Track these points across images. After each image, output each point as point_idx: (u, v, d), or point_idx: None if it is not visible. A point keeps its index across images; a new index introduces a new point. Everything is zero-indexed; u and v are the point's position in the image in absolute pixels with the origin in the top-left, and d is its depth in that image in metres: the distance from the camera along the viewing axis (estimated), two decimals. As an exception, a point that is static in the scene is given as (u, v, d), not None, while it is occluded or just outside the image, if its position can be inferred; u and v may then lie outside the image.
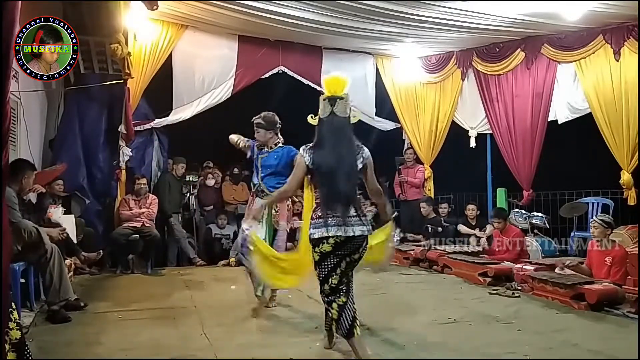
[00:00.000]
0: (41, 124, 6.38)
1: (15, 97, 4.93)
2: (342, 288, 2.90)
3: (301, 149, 3.04)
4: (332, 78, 3.09)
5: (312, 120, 3.08)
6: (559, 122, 7.05)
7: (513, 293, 4.74)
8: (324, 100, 3.02)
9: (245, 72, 7.25)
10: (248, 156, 4.38)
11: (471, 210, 7.05)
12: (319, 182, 2.99)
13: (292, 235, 7.31)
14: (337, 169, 2.90)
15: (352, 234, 2.85)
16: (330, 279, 2.88)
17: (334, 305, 2.87)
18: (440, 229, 6.96)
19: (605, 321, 3.85)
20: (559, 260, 4.95)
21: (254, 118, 4.24)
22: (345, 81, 3.06)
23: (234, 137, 4.52)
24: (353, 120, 3.09)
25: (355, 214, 2.90)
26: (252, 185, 4.36)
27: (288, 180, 3.15)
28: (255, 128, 4.22)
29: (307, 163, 2.95)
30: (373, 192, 3.14)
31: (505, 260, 5.64)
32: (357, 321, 2.88)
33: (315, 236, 2.87)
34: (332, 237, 2.83)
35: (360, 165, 2.98)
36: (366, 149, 3.05)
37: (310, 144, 3.02)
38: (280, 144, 4.26)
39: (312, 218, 2.96)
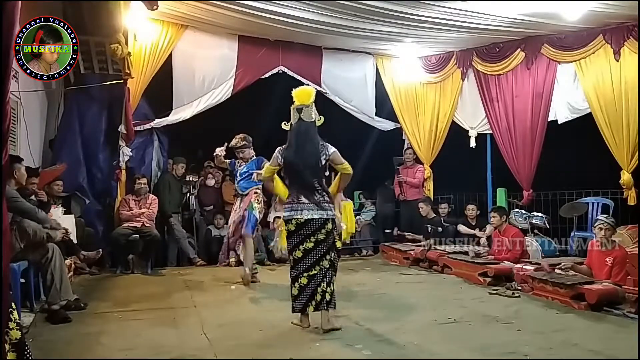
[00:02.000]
0: (41, 124, 6.39)
1: (15, 97, 4.94)
2: (306, 266, 3.50)
3: (277, 149, 3.70)
4: (300, 90, 3.76)
5: (285, 126, 3.75)
6: (559, 122, 7.04)
7: (513, 293, 4.74)
8: (294, 109, 3.69)
9: (245, 72, 7.25)
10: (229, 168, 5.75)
11: (471, 210, 7.05)
12: (288, 175, 3.71)
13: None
14: (302, 164, 3.59)
15: (310, 217, 3.51)
16: (294, 252, 3.56)
17: (296, 284, 3.52)
18: (440, 229, 6.96)
19: (605, 321, 3.85)
20: (548, 264, 4.92)
21: (235, 143, 5.45)
22: (312, 92, 3.76)
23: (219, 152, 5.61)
24: (318, 123, 3.72)
25: (316, 200, 3.54)
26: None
27: (268, 168, 3.81)
28: (240, 149, 5.47)
29: (278, 161, 3.66)
30: (344, 175, 3.75)
31: (510, 260, 5.63)
32: (314, 302, 3.47)
33: (285, 217, 3.63)
34: (294, 219, 3.54)
35: (323, 161, 3.63)
36: (331, 147, 3.68)
37: (285, 145, 3.69)
38: (253, 157, 5.53)
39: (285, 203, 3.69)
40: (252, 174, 5.42)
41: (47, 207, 4.56)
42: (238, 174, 5.55)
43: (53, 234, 3.94)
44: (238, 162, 5.58)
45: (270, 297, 4.67)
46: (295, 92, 3.74)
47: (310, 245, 3.51)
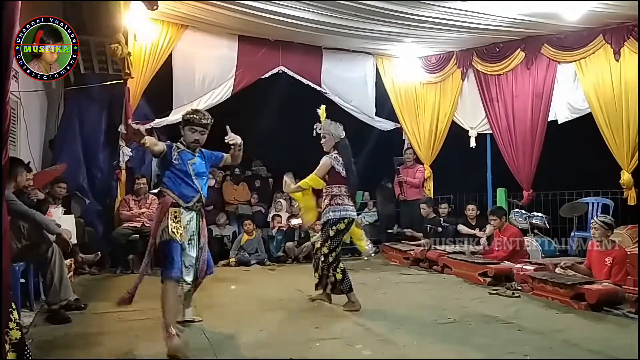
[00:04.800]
0: (41, 124, 6.39)
1: (15, 97, 4.94)
2: (340, 257, 4.18)
3: (331, 158, 4.19)
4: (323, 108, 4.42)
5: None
6: (559, 122, 7.05)
7: (513, 293, 4.74)
8: (338, 123, 4.29)
9: (245, 72, 7.25)
10: (159, 158, 3.57)
11: (471, 210, 7.05)
12: (342, 181, 4.18)
13: (292, 235, 7.35)
14: (351, 172, 4.24)
15: (354, 216, 4.23)
16: (337, 249, 4.15)
17: (338, 270, 4.13)
18: (440, 229, 6.96)
19: (605, 321, 3.85)
20: (550, 262, 4.96)
21: (193, 116, 3.50)
22: None
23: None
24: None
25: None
26: (179, 197, 3.38)
27: (317, 178, 4.20)
28: (200, 130, 3.51)
29: (337, 168, 4.16)
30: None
31: (500, 259, 5.64)
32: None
33: (337, 217, 4.12)
34: (346, 218, 4.13)
35: None
36: None
37: (335, 154, 4.20)
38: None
39: (330, 205, 4.14)
40: (208, 176, 3.77)
41: (45, 205, 4.54)
42: (190, 168, 3.46)
43: (53, 237, 3.92)
44: (176, 148, 3.50)
45: (270, 297, 4.67)
46: (323, 109, 4.38)
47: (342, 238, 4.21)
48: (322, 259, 4.17)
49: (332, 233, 4.13)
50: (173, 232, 3.30)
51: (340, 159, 4.21)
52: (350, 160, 4.26)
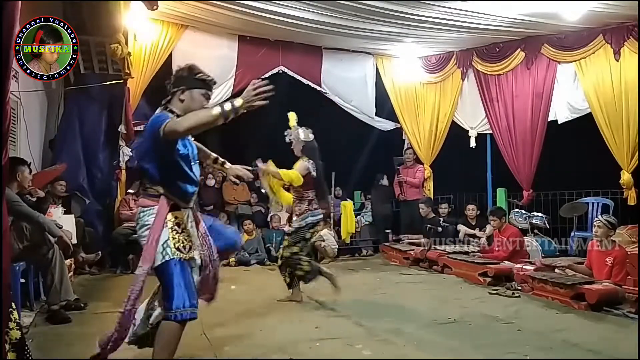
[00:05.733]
0: (41, 124, 6.38)
1: (15, 97, 4.93)
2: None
3: (309, 163, 4.29)
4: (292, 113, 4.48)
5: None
6: (559, 122, 7.05)
7: (513, 293, 4.74)
8: (306, 128, 4.41)
9: (245, 72, 7.25)
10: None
11: (471, 210, 7.05)
12: (318, 185, 4.36)
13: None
14: (321, 174, 4.42)
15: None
16: (306, 248, 4.36)
17: (305, 263, 4.28)
18: (440, 229, 6.96)
19: (605, 321, 3.84)
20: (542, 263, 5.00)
21: (207, 76, 2.59)
22: None
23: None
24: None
25: None
26: (181, 196, 2.49)
27: (298, 175, 4.20)
28: (209, 94, 2.64)
29: (313, 173, 4.28)
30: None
31: (499, 259, 5.64)
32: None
33: (315, 220, 4.33)
34: (320, 220, 4.42)
35: None
36: None
37: (311, 161, 4.31)
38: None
39: (309, 210, 4.30)
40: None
41: (45, 204, 4.54)
42: (189, 149, 2.58)
43: (54, 239, 3.91)
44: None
45: (270, 297, 4.66)
46: (292, 114, 4.43)
47: None
48: (288, 254, 4.31)
49: (308, 235, 4.33)
50: (179, 248, 2.36)
51: (315, 164, 4.37)
52: (319, 163, 4.39)
